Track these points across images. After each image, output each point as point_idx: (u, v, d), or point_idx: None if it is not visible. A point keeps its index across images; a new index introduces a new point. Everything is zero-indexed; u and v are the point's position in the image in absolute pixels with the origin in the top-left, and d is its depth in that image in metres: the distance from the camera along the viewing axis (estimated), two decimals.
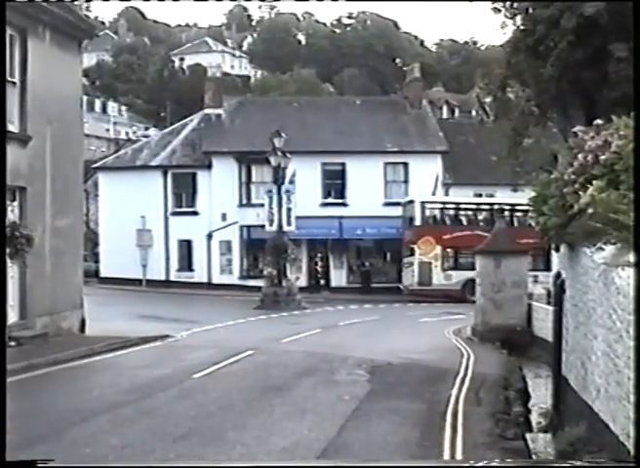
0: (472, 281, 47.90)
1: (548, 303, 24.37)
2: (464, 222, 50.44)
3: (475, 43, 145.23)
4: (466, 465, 7.66)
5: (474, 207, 51.29)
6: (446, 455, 12.61)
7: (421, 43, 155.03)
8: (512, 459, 11.88)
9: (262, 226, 47.97)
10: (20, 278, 23.89)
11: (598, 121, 13.38)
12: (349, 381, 19.12)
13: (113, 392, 17.22)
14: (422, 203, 49.19)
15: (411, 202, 49.83)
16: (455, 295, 47.02)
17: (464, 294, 47.61)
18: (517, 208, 50.53)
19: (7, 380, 17.07)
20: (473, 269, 48.27)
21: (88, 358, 22.06)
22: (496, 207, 50.63)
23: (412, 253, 48.92)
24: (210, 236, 54.18)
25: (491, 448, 13.23)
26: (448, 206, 50.90)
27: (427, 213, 49.52)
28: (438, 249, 48.48)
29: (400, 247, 51.03)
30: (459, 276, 48.03)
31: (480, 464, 6.91)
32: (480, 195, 54.00)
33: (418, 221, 48.97)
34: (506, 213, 50.36)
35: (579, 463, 6.88)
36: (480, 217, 50.74)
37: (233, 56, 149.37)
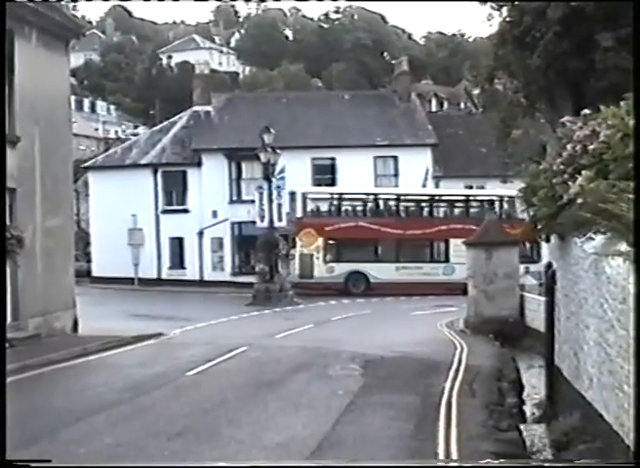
0: (355, 273, 48.01)
1: (540, 294, 24.43)
2: (347, 214, 49.42)
3: (463, 35, 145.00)
4: (460, 465, 7.68)
5: (357, 197, 49.95)
6: (440, 448, 12.62)
7: (409, 36, 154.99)
8: (506, 460, 11.85)
9: (253, 223, 47.91)
10: (11, 279, 23.79)
11: (586, 111, 13.43)
12: (343, 376, 19.13)
13: (107, 391, 17.21)
14: (304, 194, 48.03)
15: (293, 193, 48.32)
16: (337, 288, 46.68)
17: (347, 287, 47.27)
18: (406, 198, 50.30)
19: None
20: (356, 261, 48.47)
21: (81, 358, 22.03)
22: (381, 197, 50.12)
23: (294, 246, 47.74)
24: (201, 233, 54.15)
25: (485, 439, 13.24)
26: (330, 197, 49.53)
27: (309, 204, 48.36)
28: (320, 241, 47.38)
29: None
30: (341, 268, 47.45)
31: (473, 465, 6.93)
32: (471, 187, 53.94)
33: (299, 213, 47.71)
34: (393, 203, 50.13)
35: (580, 463, 6.89)
36: (364, 208, 49.74)
37: (221, 52, 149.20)
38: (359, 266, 47.70)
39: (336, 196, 49.52)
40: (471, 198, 50.58)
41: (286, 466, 7.45)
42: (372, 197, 49.81)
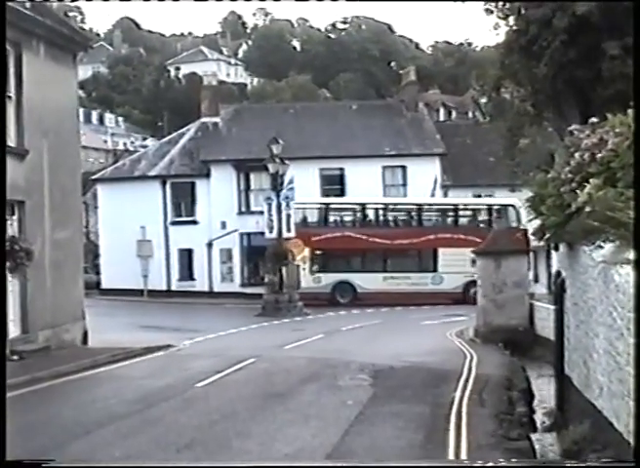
0: (342, 283, 47.80)
1: (550, 302, 24.37)
2: (334, 224, 49.31)
3: (470, 44, 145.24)
4: (471, 466, 7.67)
5: (345, 207, 50.09)
6: (450, 457, 12.59)
7: (416, 46, 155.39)
8: (517, 460, 11.86)
9: (262, 233, 47.93)
10: (20, 292, 23.86)
11: (593, 119, 13.40)
12: (352, 386, 19.10)
13: (117, 403, 17.21)
14: None
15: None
16: (324, 298, 46.51)
17: (334, 297, 47.22)
18: (394, 207, 50.04)
19: (10, 394, 17.10)
20: (344, 271, 48.25)
21: (91, 370, 22.04)
22: (369, 206, 49.90)
23: None
24: (210, 245, 54.18)
25: (495, 448, 13.21)
26: (317, 207, 49.55)
27: (296, 214, 47.62)
28: (307, 251, 46.89)
29: None
30: (328, 278, 47.47)
31: (483, 465, 6.92)
32: (479, 196, 53.83)
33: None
34: (381, 212, 50.03)
35: (579, 464, 6.89)
36: (352, 218, 49.75)
37: (229, 64, 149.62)
38: (346, 276, 47.69)
39: (322, 207, 49.56)
40: (460, 207, 50.32)
41: (298, 466, 7.46)
42: (359, 207, 49.74)
